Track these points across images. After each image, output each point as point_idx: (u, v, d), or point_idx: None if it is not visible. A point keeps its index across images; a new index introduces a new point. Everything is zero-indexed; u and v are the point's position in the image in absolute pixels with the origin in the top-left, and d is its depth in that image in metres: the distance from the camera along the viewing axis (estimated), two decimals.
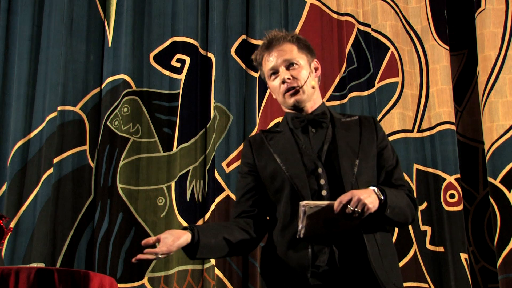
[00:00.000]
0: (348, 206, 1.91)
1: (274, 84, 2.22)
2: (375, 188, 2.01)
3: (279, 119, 3.48)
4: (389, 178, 2.17)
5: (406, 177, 3.61)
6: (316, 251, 2.02)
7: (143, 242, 1.99)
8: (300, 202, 1.96)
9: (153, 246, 1.98)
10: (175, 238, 2.00)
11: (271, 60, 2.21)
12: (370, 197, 1.95)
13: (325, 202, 1.97)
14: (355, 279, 2.01)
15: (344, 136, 2.17)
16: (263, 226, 2.22)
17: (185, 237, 2.02)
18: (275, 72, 2.21)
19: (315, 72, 2.27)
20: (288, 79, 2.18)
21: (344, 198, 1.92)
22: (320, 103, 2.26)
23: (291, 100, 2.19)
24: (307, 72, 2.22)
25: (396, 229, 3.55)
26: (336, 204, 1.92)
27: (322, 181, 2.08)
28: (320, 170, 2.10)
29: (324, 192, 2.07)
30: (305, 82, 2.19)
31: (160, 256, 1.97)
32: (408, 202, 2.14)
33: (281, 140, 2.20)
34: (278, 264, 2.08)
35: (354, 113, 3.79)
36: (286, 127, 2.23)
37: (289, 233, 2.06)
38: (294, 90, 2.18)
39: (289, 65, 2.20)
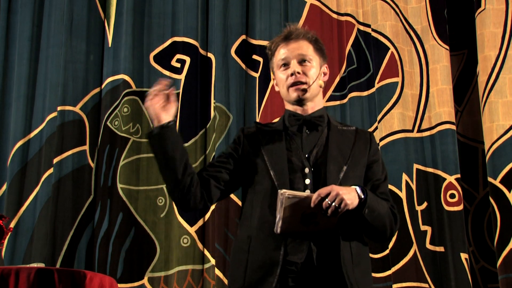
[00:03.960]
0: (326, 199, 1.90)
1: (282, 76, 2.21)
2: (357, 187, 2.00)
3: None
4: (374, 190, 2.15)
5: (407, 178, 3.62)
6: (292, 248, 2.01)
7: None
8: (279, 190, 1.95)
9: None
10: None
11: (285, 51, 2.20)
12: (349, 194, 1.94)
13: (304, 193, 1.96)
14: (328, 280, 2.00)
15: (337, 142, 2.17)
16: (215, 192, 2.16)
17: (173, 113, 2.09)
18: (286, 63, 2.20)
19: (323, 76, 2.26)
20: (298, 73, 2.16)
21: (322, 191, 1.92)
22: (321, 107, 2.25)
23: (294, 94, 2.18)
24: (317, 73, 2.21)
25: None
26: (314, 196, 1.91)
27: (308, 181, 2.08)
28: (307, 170, 2.09)
29: (308, 192, 2.05)
30: (313, 81, 2.18)
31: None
32: (389, 213, 2.12)
33: (272, 136, 2.20)
34: (251, 259, 2.06)
35: (354, 113, 3.81)
36: (281, 125, 2.23)
37: (265, 228, 2.04)
38: (301, 87, 2.17)
39: (302, 60, 2.19)
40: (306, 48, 2.21)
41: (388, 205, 2.15)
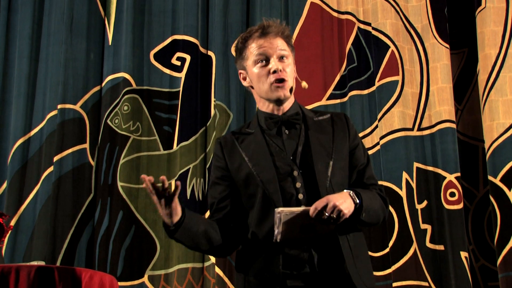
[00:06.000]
0: (324, 212, 1.90)
1: (261, 71, 2.15)
2: (351, 192, 2.00)
3: None
4: (361, 177, 2.15)
5: (407, 176, 3.62)
6: (292, 257, 2.01)
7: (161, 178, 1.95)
8: (276, 209, 1.93)
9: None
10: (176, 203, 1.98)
11: (265, 46, 2.15)
12: (345, 203, 1.94)
13: (300, 208, 1.94)
14: (331, 282, 2.00)
15: (317, 137, 2.14)
16: (237, 234, 2.17)
17: (180, 210, 2.00)
18: (265, 59, 2.14)
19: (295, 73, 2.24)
20: (280, 70, 2.12)
21: (319, 204, 1.91)
22: (293, 102, 2.21)
23: (277, 93, 2.13)
24: (293, 70, 2.19)
25: (396, 229, 3.55)
26: (312, 210, 1.91)
27: (298, 184, 2.06)
28: (295, 173, 2.07)
29: (300, 196, 2.04)
30: (293, 80, 2.17)
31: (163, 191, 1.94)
32: (381, 203, 2.12)
33: (253, 142, 2.16)
34: (252, 271, 2.05)
35: (354, 112, 3.81)
36: (258, 128, 2.18)
37: (262, 240, 2.04)
38: (287, 85, 2.13)
39: (281, 57, 2.15)
40: (283, 45, 2.17)
41: (377, 192, 2.14)
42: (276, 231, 1.95)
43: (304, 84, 2.21)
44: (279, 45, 2.16)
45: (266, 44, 2.15)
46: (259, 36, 2.17)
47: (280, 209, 1.93)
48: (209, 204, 2.23)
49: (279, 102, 2.17)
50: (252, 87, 2.22)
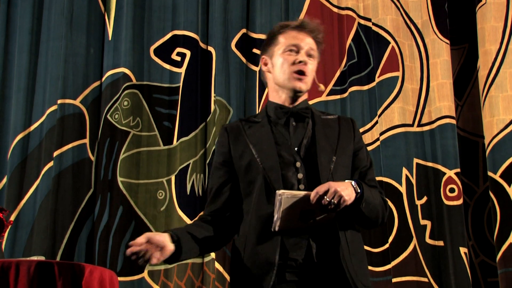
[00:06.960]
0: (325, 197, 1.90)
1: (287, 58, 2.18)
2: (353, 181, 2.01)
3: None
4: (362, 178, 2.16)
5: (407, 172, 3.62)
6: (290, 245, 2.01)
7: (132, 246, 1.95)
8: (277, 191, 1.94)
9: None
10: (162, 250, 1.99)
11: (299, 38, 2.19)
12: (347, 189, 1.95)
13: (302, 192, 1.95)
14: (328, 275, 2.00)
15: (323, 132, 2.16)
16: (235, 222, 2.19)
17: (170, 248, 2.00)
18: (296, 50, 2.19)
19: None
20: (305, 64, 2.16)
21: (321, 189, 1.91)
22: (305, 98, 2.25)
23: (294, 83, 2.16)
24: (314, 71, 2.23)
25: (396, 224, 3.55)
26: (313, 194, 1.91)
27: (300, 175, 2.07)
28: (298, 164, 2.09)
29: (302, 186, 2.05)
30: (311, 80, 2.20)
31: (149, 263, 1.97)
32: (381, 202, 2.13)
33: (259, 131, 2.18)
34: (247, 258, 2.06)
35: (354, 108, 3.81)
36: (265, 118, 2.21)
37: (260, 227, 2.04)
38: (307, 80, 2.17)
39: (310, 55, 2.20)
40: (314, 45, 2.22)
41: (378, 193, 2.16)
42: (275, 217, 1.96)
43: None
44: (311, 44, 2.21)
45: (301, 36, 2.21)
46: (296, 28, 2.23)
47: (281, 191, 1.94)
48: (208, 190, 2.25)
49: (293, 93, 2.19)
50: (270, 72, 2.24)
